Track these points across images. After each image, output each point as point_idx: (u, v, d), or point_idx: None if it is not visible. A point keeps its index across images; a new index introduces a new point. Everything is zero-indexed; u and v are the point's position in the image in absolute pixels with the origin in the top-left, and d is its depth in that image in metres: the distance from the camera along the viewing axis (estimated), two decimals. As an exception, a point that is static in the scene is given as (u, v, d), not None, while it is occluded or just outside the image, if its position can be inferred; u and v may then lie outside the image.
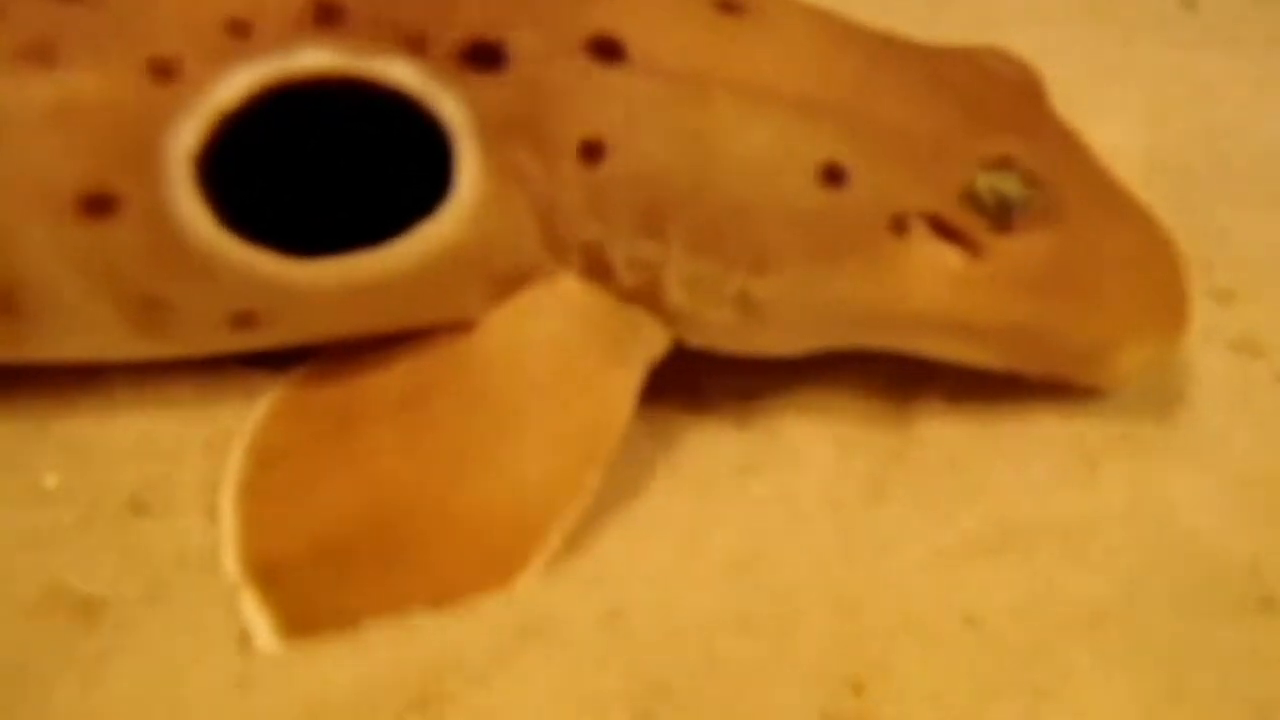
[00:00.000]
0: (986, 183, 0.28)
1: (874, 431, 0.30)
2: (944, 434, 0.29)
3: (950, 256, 0.28)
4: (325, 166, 0.27)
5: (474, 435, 0.27)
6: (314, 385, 0.29)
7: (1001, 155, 0.28)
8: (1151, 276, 0.30)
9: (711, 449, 0.29)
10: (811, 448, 0.29)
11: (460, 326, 0.28)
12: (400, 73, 0.27)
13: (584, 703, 0.24)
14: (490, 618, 0.26)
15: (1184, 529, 0.29)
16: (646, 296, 0.28)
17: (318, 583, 0.26)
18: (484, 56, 0.27)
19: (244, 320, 0.28)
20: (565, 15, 0.28)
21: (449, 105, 0.27)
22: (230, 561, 0.26)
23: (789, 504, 0.29)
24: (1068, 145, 0.30)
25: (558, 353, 0.28)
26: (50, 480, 0.28)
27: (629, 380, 0.28)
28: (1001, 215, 0.28)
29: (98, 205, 0.26)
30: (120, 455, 0.28)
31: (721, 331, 0.29)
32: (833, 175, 0.28)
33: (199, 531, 0.27)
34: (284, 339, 0.28)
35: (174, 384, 0.29)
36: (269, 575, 0.26)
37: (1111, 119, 0.38)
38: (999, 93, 0.30)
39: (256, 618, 0.25)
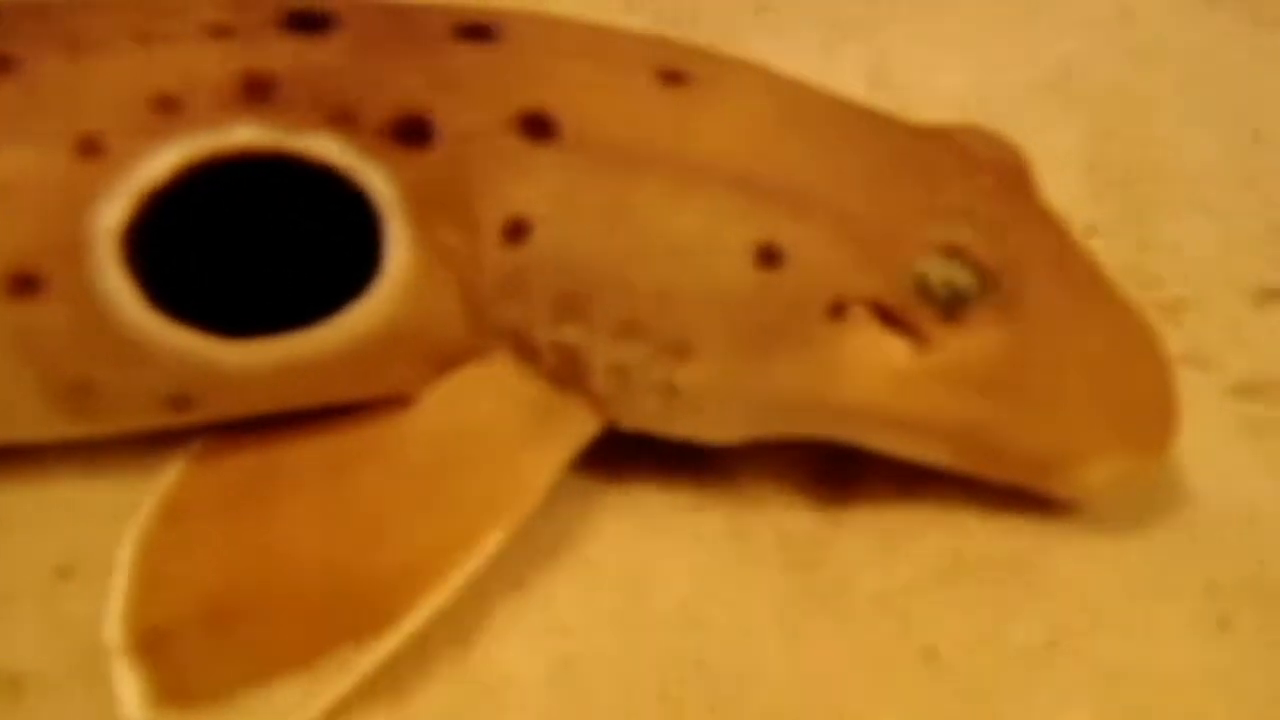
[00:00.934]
0: (934, 271, 0.27)
1: (824, 465, 0.29)
2: (895, 465, 0.28)
3: (895, 347, 0.27)
4: (256, 245, 0.26)
5: (389, 511, 0.26)
6: (239, 442, 0.28)
7: (954, 244, 0.27)
8: (1128, 385, 0.28)
9: (663, 490, 0.29)
10: (761, 485, 0.29)
11: (398, 401, 0.28)
12: (328, 148, 0.26)
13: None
14: (443, 676, 0.25)
15: (1138, 548, 0.29)
16: (572, 380, 0.27)
17: (200, 650, 0.25)
18: (411, 132, 0.26)
19: (177, 402, 0.27)
20: (496, 91, 0.27)
21: (377, 181, 0.26)
22: (113, 623, 0.25)
23: (741, 542, 0.28)
24: (1044, 236, 0.29)
25: (480, 433, 0.27)
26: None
27: (549, 462, 0.27)
28: (951, 307, 0.27)
29: (23, 285, 0.25)
30: (47, 522, 0.27)
31: (649, 417, 0.28)
32: (768, 256, 0.26)
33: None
34: (219, 416, 0.28)
35: (107, 448, 0.28)
36: (152, 640, 0.25)
37: (1057, 134, 0.38)
38: (971, 176, 0.28)
39: (125, 684, 0.25)
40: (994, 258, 0.27)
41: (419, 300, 0.27)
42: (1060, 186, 0.36)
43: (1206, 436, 0.31)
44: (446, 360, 0.28)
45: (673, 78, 0.28)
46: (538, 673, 0.26)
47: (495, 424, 0.28)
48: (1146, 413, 0.28)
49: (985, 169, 0.29)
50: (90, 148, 0.26)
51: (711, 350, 0.27)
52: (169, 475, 0.28)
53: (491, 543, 0.26)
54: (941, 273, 0.27)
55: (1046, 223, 0.29)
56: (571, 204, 0.27)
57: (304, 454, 0.28)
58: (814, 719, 0.25)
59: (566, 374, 0.27)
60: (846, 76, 0.40)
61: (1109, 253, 0.35)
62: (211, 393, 0.27)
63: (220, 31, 0.27)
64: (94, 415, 0.27)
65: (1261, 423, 0.32)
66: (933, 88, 0.40)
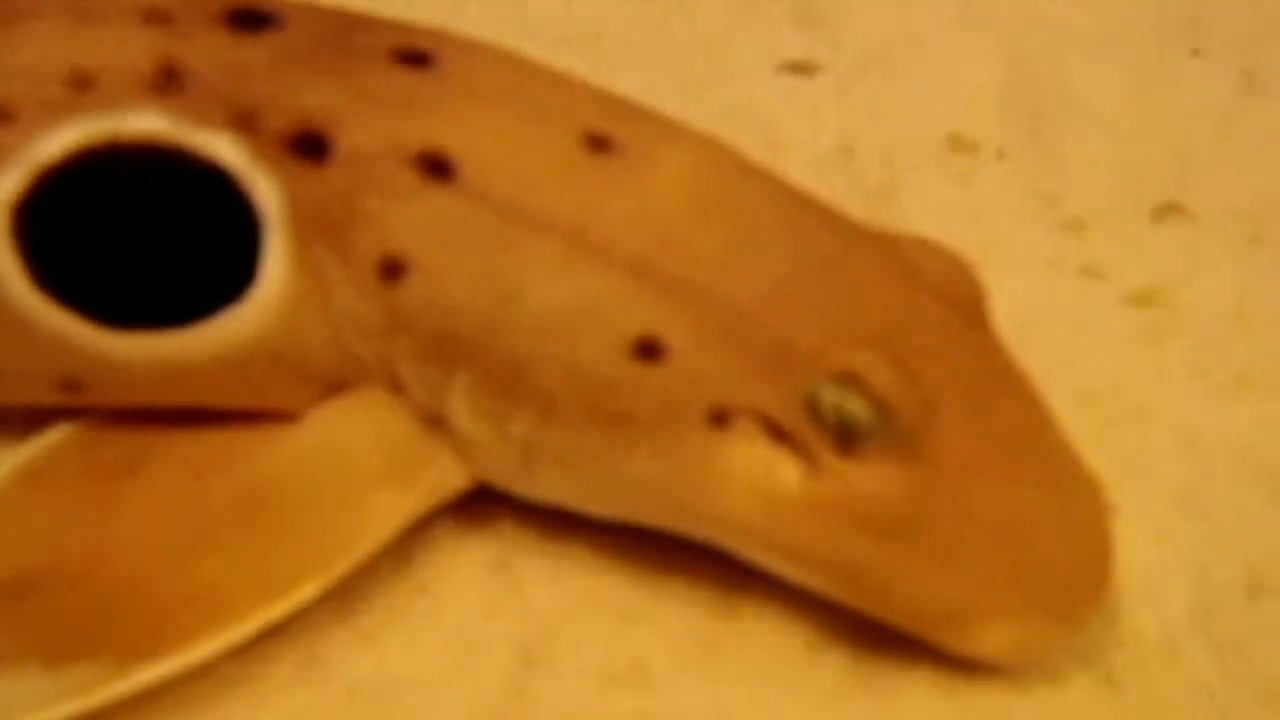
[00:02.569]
0: (828, 397, 0.25)
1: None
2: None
3: (783, 465, 0.25)
4: (146, 237, 0.26)
5: (232, 522, 0.26)
6: (118, 426, 0.28)
7: (851, 370, 0.25)
8: (1043, 551, 0.25)
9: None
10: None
11: (284, 416, 0.27)
12: (224, 149, 0.26)
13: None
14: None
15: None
16: (438, 420, 0.27)
17: None
18: (308, 146, 0.26)
19: (66, 384, 0.27)
20: (402, 120, 0.26)
21: (265, 190, 0.26)
22: None
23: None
24: (978, 376, 0.26)
25: (342, 465, 0.27)
26: None
27: (401, 506, 0.26)
28: (844, 436, 0.25)
29: None
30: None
31: (510, 475, 0.27)
32: (647, 349, 0.25)
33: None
34: (113, 402, 0.28)
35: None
36: None
37: (970, 65, 0.40)
38: (902, 298, 0.27)
39: None
40: (900, 394, 0.25)
41: (291, 319, 0.26)
42: (971, 112, 0.39)
43: (1102, 342, 0.34)
44: (323, 384, 0.27)
45: (598, 144, 0.26)
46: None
47: (357, 457, 0.27)
48: (1062, 580, 0.26)
49: (927, 290, 0.27)
50: (3, 116, 0.26)
51: (570, 424, 0.26)
52: (42, 439, 0.27)
53: (306, 593, 0.25)
54: (833, 398, 0.25)
55: (985, 358, 0.27)
56: (452, 252, 0.26)
57: (176, 451, 0.27)
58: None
59: (434, 418, 0.27)
60: (772, 15, 0.42)
61: (1015, 175, 0.38)
62: (97, 379, 0.27)
63: (156, 17, 0.27)
64: None
65: (1152, 328, 0.34)
66: (852, 19, 0.41)
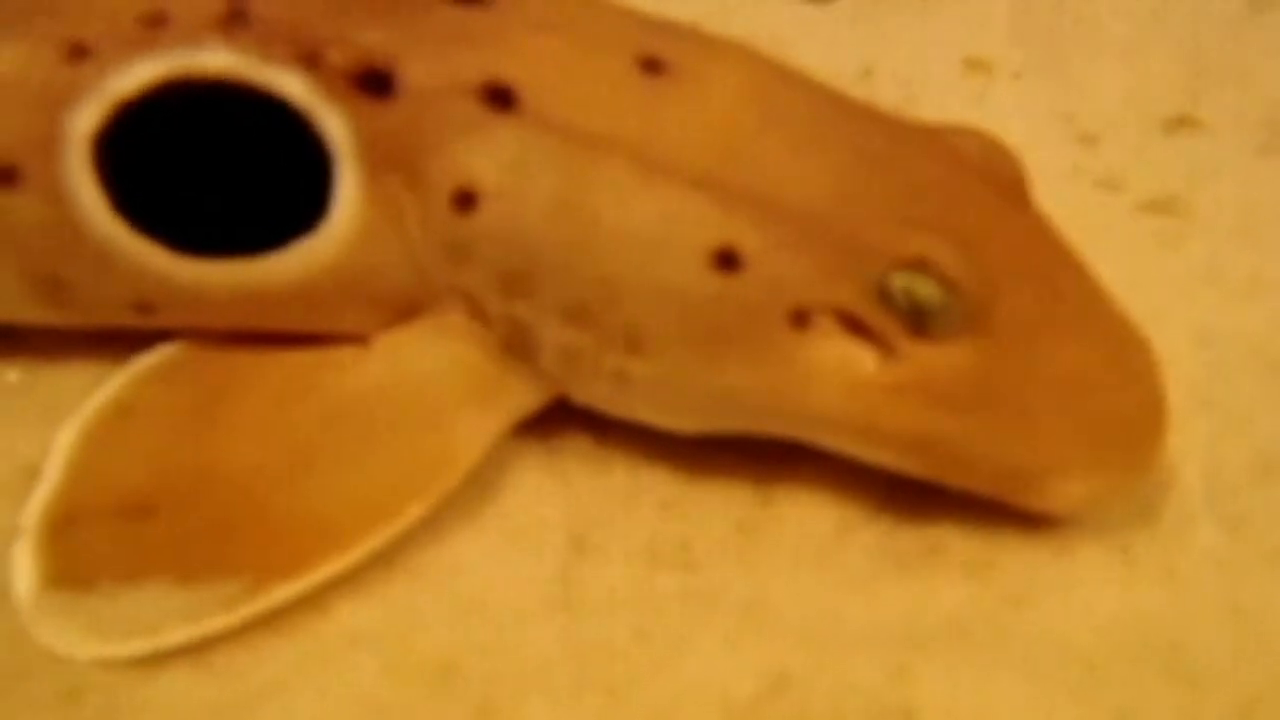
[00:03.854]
0: (900, 282, 0.26)
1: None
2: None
3: (861, 357, 0.26)
4: (220, 167, 0.27)
5: (325, 448, 0.27)
6: (201, 354, 0.29)
7: (920, 256, 0.26)
8: (1108, 405, 0.27)
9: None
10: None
11: (356, 339, 0.29)
12: (291, 85, 0.27)
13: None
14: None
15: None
16: (521, 352, 0.28)
17: (104, 542, 0.26)
18: (374, 82, 0.27)
19: (140, 307, 0.29)
20: (465, 55, 0.27)
21: (333, 125, 0.27)
22: (32, 505, 0.26)
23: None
24: (1030, 248, 0.28)
25: (424, 390, 0.28)
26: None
27: (485, 427, 0.27)
28: (917, 320, 0.26)
29: (2, 176, 0.27)
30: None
31: (602, 400, 0.28)
32: (726, 260, 0.26)
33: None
34: (183, 324, 0.29)
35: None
36: (61, 525, 0.26)
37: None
38: (956, 183, 0.28)
39: (20, 564, 0.26)
40: (966, 273, 0.26)
41: (364, 248, 0.27)
42: (986, 35, 0.40)
43: (1119, 249, 0.34)
44: (397, 309, 0.28)
45: (652, 66, 0.27)
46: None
47: (438, 381, 0.28)
48: (1128, 430, 0.27)
49: (974, 175, 0.28)
50: (78, 52, 0.27)
51: (661, 346, 0.27)
52: (126, 373, 0.29)
53: (413, 513, 0.27)
54: (904, 284, 0.26)
55: (1035, 234, 0.28)
56: (523, 181, 0.27)
57: (259, 376, 0.29)
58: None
59: (517, 345, 0.28)
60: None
61: (1030, 93, 0.39)
62: (170, 303, 0.29)
63: None
64: (67, 307, 0.29)
65: (1167, 234, 0.35)
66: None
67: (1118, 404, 0.27)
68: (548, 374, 0.28)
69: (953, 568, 0.28)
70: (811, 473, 0.29)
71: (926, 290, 0.26)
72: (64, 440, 0.27)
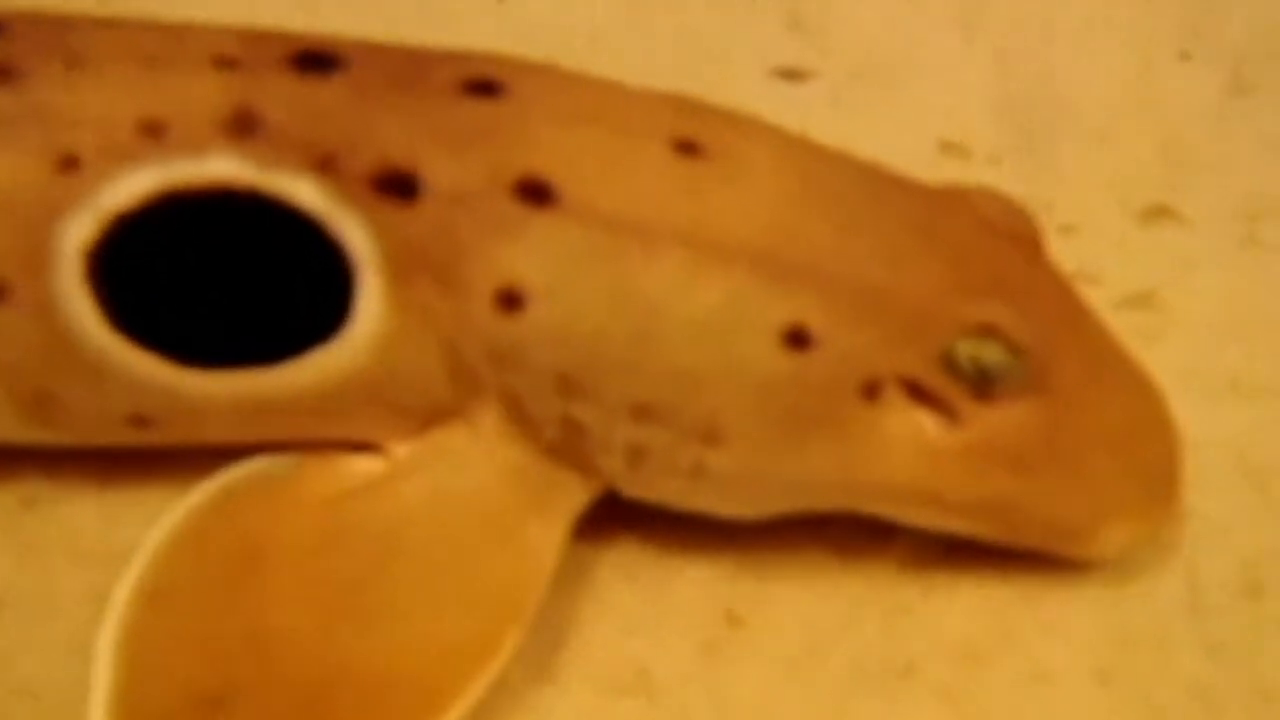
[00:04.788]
0: (967, 350, 0.26)
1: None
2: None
3: (926, 422, 0.27)
4: (226, 278, 0.26)
5: (386, 590, 0.26)
6: (216, 518, 0.27)
7: (985, 322, 0.26)
8: (1141, 450, 0.28)
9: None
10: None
11: (372, 452, 0.27)
12: (306, 193, 0.25)
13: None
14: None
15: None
16: (576, 452, 0.27)
17: None
18: (396, 185, 0.26)
19: (139, 421, 0.27)
20: (491, 151, 0.26)
21: (354, 232, 0.26)
22: (98, 713, 0.24)
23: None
24: (1060, 304, 0.29)
25: (478, 504, 0.27)
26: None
27: (552, 535, 0.26)
28: (982, 384, 0.26)
29: None
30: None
31: (668, 494, 0.27)
32: (797, 338, 0.26)
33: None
34: (185, 440, 0.28)
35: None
36: None
37: (962, 72, 0.40)
38: (990, 246, 0.28)
39: None
40: (1025, 333, 0.27)
41: (391, 357, 0.26)
42: (963, 119, 0.40)
43: None
44: (419, 415, 0.27)
45: (687, 148, 0.27)
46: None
47: (491, 494, 0.27)
48: (1158, 477, 0.28)
49: (1001, 236, 0.28)
50: (69, 163, 0.26)
51: (743, 435, 0.26)
52: (142, 558, 0.27)
53: (510, 645, 0.25)
54: (971, 350, 0.26)
55: (1062, 292, 0.29)
56: (574, 276, 0.26)
57: (286, 530, 0.27)
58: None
59: (572, 446, 0.27)
60: (765, 21, 0.42)
61: (1007, 180, 0.37)
62: (170, 417, 0.27)
63: (224, 62, 0.26)
64: (58, 425, 0.28)
65: (1145, 330, 0.34)
66: (845, 26, 0.42)
67: (1152, 451, 0.28)
68: (604, 472, 0.27)
69: (925, 691, 0.27)
70: (782, 588, 0.28)
71: (993, 355, 0.26)
72: (104, 642, 0.25)
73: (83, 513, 0.28)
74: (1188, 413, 0.32)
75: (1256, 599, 0.28)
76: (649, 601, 0.28)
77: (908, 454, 0.26)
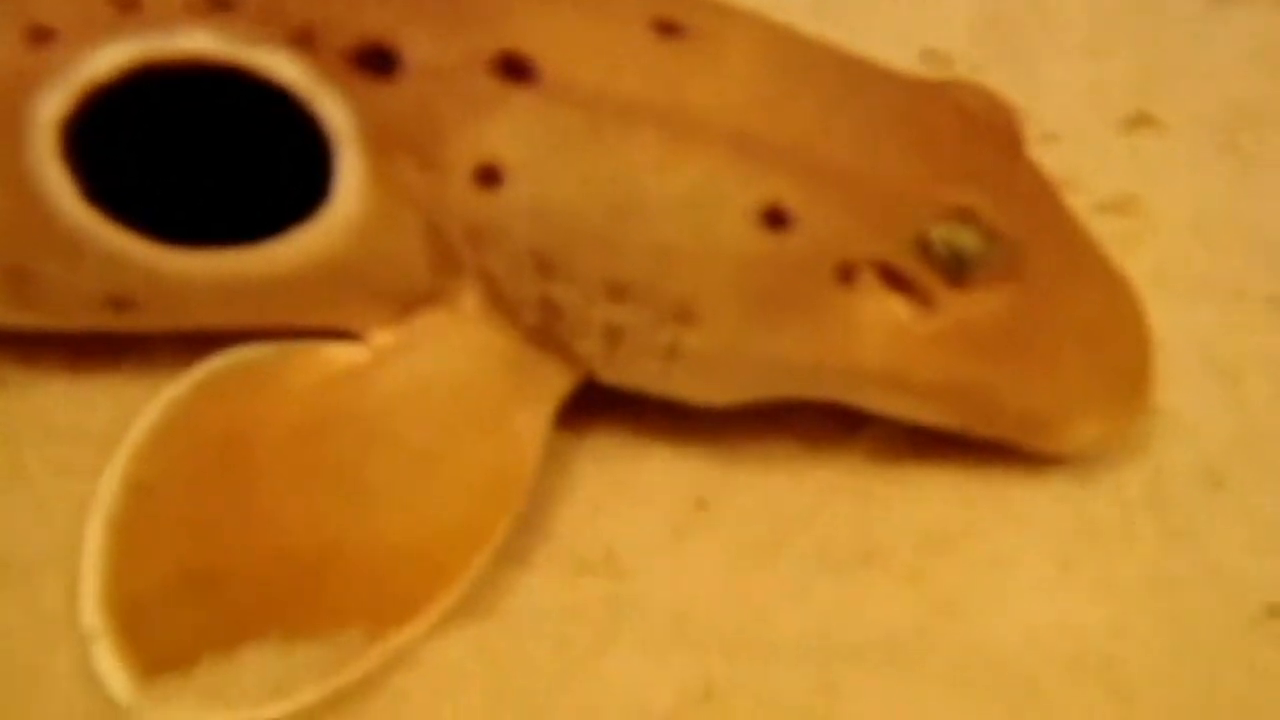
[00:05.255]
0: (942, 234, 0.26)
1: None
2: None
3: (899, 308, 0.26)
4: (204, 155, 0.26)
5: (374, 473, 0.26)
6: (200, 407, 0.27)
7: (960, 206, 0.26)
8: (1113, 348, 0.28)
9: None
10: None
11: (355, 340, 0.27)
12: (284, 68, 0.25)
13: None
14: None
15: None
16: (554, 337, 0.27)
17: (184, 618, 0.25)
18: (375, 61, 0.26)
19: (117, 302, 0.27)
20: (470, 27, 0.26)
21: (332, 108, 0.25)
22: (88, 606, 0.25)
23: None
24: (1037, 195, 0.28)
25: (462, 389, 0.27)
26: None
27: (537, 422, 0.26)
28: (956, 269, 0.26)
29: None
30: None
31: (644, 377, 0.27)
32: (774, 218, 0.26)
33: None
34: (164, 325, 0.28)
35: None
36: (129, 616, 0.25)
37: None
38: (968, 134, 0.28)
39: (109, 667, 0.24)
40: (999, 220, 0.26)
41: (371, 237, 0.26)
42: (945, 29, 0.39)
43: None
44: (399, 300, 0.27)
45: (668, 29, 0.26)
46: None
47: (475, 384, 0.27)
48: (1129, 371, 0.28)
49: (979, 126, 0.28)
50: (40, 36, 0.26)
51: (718, 314, 0.26)
52: (126, 450, 0.27)
53: (502, 526, 0.25)
54: (946, 235, 0.26)
55: (1039, 186, 0.29)
56: (552, 153, 0.26)
57: (270, 418, 0.27)
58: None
59: (550, 328, 0.27)
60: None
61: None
62: (150, 297, 0.27)
63: None
64: (35, 305, 0.28)
65: (1123, 235, 0.34)
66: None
67: (1125, 347, 0.28)
68: (582, 356, 0.27)
69: (888, 576, 0.27)
70: (749, 475, 0.29)
71: (968, 240, 0.26)
72: (92, 535, 0.25)
73: (53, 395, 0.28)
74: (1160, 313, 0.32)
75: (1218, 489, 0.29)
76: (618, 486, 0.28)
77: (880, 339, 0.26)
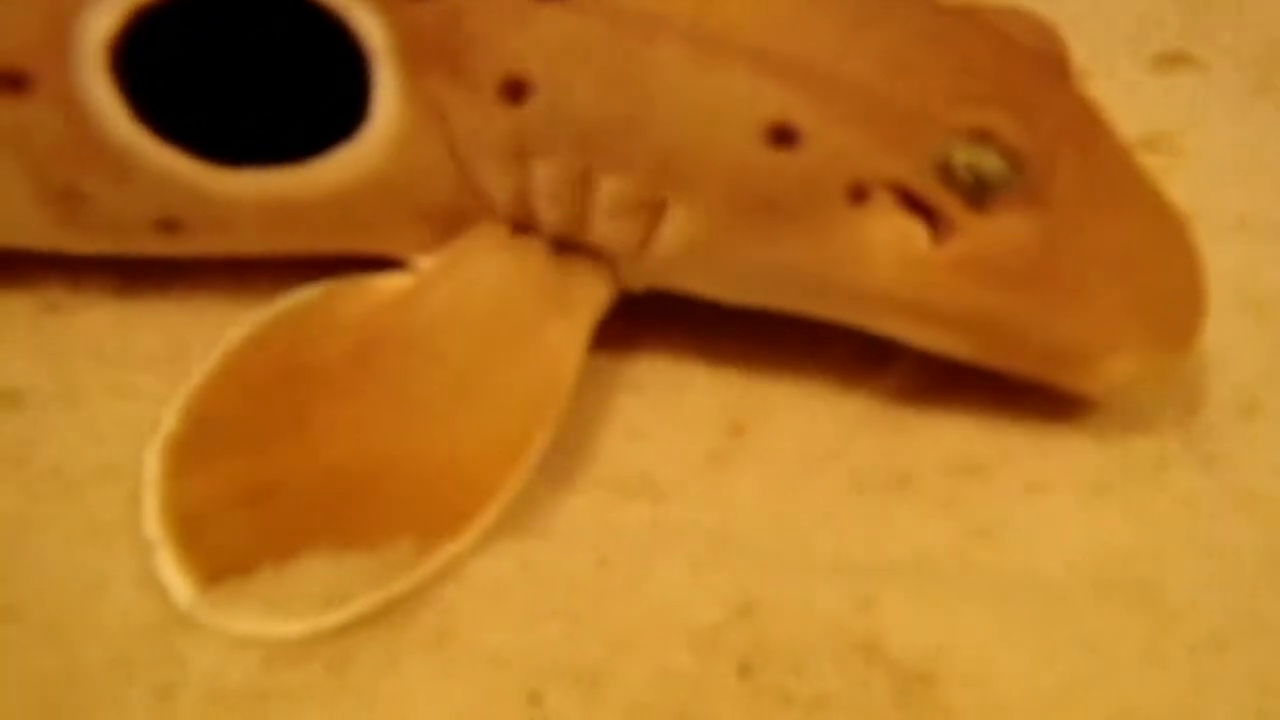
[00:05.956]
0: (963, 156, 0.26)
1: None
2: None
3: (916, 232, 0.26)
4: (247, 75, 0.27)
5: (420, 390, 0.27)
6: (256, 345, 0.28)
7: (983, 127, 0.26)
8: (1155, 282, 0.27)
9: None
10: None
11: (399, 268, 0.28)
12: None
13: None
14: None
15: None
16: (573, 242, 0.27)
17: (241, 527, 0.25)
18: None
19: (167, 224, 0.28)
20: None
21: (369, 24, 0.26)
22: (151, 519, 0.25)
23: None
24: (1078, 125, 0.28)
25: (498, 305, 0.27)
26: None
27: (574, 333, 0.27)
28: (977, 193, 0.26)
29: (12, 83, 0.26)
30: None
31: (659, 267, 0.28)
32: (782, 135, 0.26)
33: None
34: (213, 249, 0.29)
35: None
36: (190, 526, 0.25)
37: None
38: (1005, 60, 0.27)
39: (171, 575, 0.25)
40: (1024, 144, 0.26)
41: (408, 152, 0.27)
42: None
43: None
44: (437, 220, 0.28)
45: None
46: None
47: (513, 298, 0.27)
48: (1172, 309, 0.27)
49: (1019, 51, 0.28)
50: None
51: (721, 212, 0.26)
52: (190, 387, 0.27)
53: (542, 437, 0.26)
54: (967, 157, 0.26)
55: (1081, 112, 0.28)
56: (576, 66, 0.26)
57: (323, 348, 0.27)
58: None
59: (567, 229, 0.27)
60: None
61: None
62: (198, 219, 0.28)
63: None
64: (85, 227, 0.28)
65: (1157, 171, 0.34)
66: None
67: (1164, 282, 0.27)
68: (600, 249, 0.27)
69: (922, 501, 0.28)
70: (784, 404, 0.29)
71: (989, 162, 0.26)
72: (152, 454, 0.26)
73: (102, 319, 0.29)
74: None
75: (1251, 418, 0.29)
76: (656, 412, 0.29)
77: (892, 260, 0.26)
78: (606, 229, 0.27)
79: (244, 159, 0.27)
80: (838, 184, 0.26)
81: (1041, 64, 0.28)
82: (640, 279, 0.29)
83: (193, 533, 0.25)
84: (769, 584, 0.26)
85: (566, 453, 0.28)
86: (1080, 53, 0.38)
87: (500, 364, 0.27)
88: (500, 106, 0.27)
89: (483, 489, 0.26)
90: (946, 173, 0.26)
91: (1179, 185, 0.34)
